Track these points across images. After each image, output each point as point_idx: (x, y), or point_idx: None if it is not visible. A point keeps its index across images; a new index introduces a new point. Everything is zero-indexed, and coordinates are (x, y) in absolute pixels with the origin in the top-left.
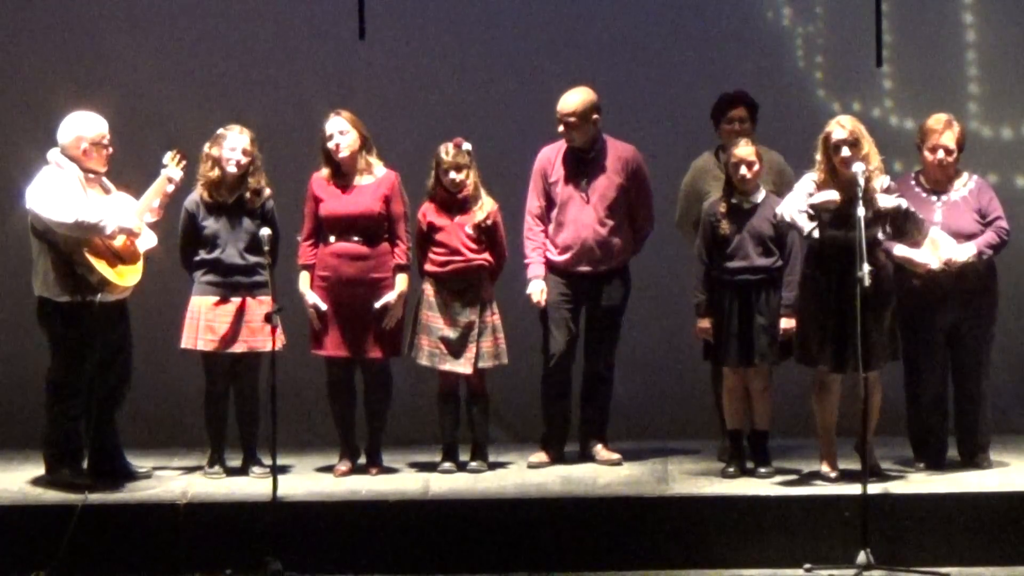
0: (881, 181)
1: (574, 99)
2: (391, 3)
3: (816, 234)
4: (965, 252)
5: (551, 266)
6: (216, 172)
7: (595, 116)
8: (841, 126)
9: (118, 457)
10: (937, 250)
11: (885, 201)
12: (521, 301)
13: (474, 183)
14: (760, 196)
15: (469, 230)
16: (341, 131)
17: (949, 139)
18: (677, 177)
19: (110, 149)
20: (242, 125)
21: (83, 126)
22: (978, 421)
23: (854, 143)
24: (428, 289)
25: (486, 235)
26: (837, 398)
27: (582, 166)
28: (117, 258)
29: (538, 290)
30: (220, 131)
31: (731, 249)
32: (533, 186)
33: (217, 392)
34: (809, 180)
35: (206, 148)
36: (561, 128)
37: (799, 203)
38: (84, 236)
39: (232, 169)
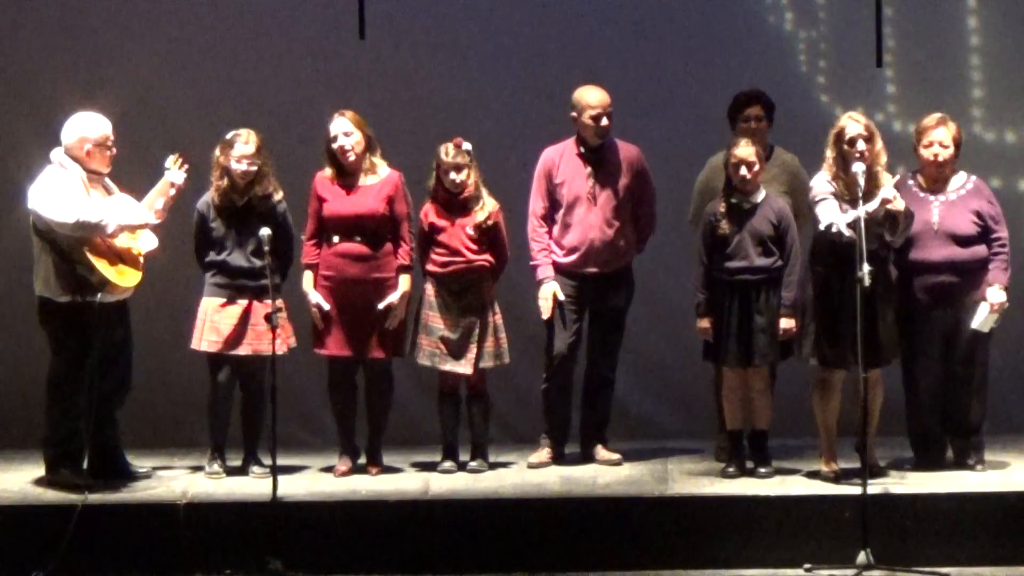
0: (886, 179)
1: (604, 93)
2: (391, 3)
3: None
4: (1000, 297)
5: (557, 267)
6: (224, 180)
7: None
8: (855, 121)
9: (118, 457)
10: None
11: (870, 206)
12: (523, 301)
13: (475, 183)
14: (760, 196)
15: (470, 231)
16: (346, 132)
17: (943, 135)
18: (679, 179)
19: (114, 150)
20: (247, 126)
21: (87, 127)
22: (971, 422)
23: (869, 137)
24: (429, 289)
25: (487, 235)
26: (839, 398)
27: (589, 167)
28: (118, 258)
29: (551, 292)
30: (229, 136)
31: (731, 249)
32: (537, 187)
33: (221, 392)
34: (823, 180)
35: (216, 152)
36: (604, 122)
37: (844, 215)
38: (86, 236)
39: (238, 180)
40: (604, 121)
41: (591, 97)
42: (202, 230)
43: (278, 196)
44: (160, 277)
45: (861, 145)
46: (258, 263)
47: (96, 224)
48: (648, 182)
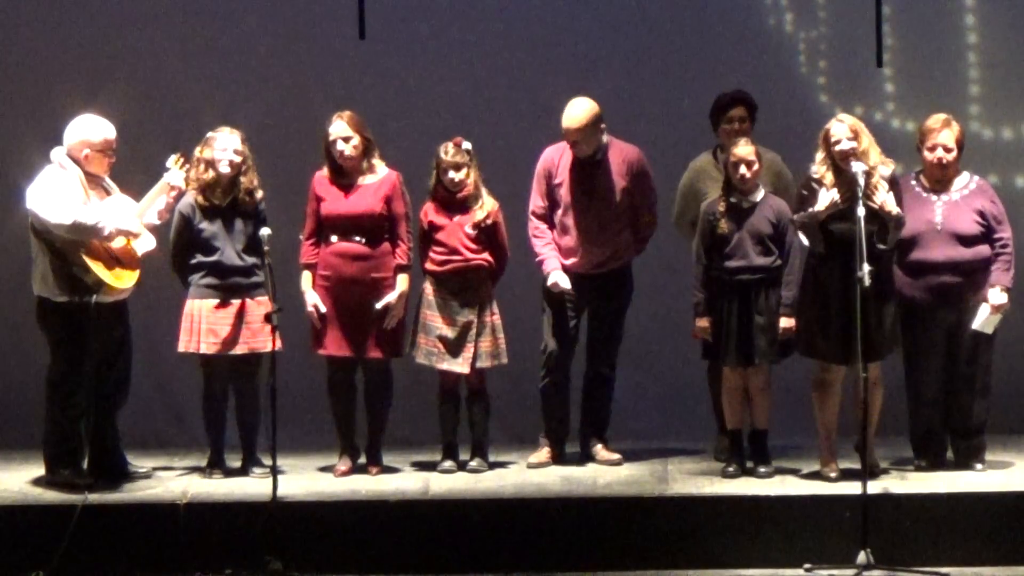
0: (883, 171)
1: (578, 114)
2: (391, 3)
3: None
4: (1001, 299)
5: None
6: (210, 174)
7: (601, 126)
8: (840, 122)
9: (118, 457)
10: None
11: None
12: (523, 301)
13: (474, 182)
14: (759, 195)
15: (469, 230)
16: (344, 137)
17: (947, 137)
18: (677, 180)
19: (113, 158)
20: (240, 125)
21: (89, 131)
22: (973, 424)
23: (853, 138)
24: (428, 288)
25: (486, 235)
26: (838, 397)
27: (588, 168)
28: (114, 260)
29: (561, 279)
30: (210, 134)
31: (730, 248)
32: (536, 187)
33: (216, 393)
34: (812, 180)
35: (197, 151)
36: (573, 148)
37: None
38: (81, 238)
39: (225, 169)
40: (573, 147)
41: (563, 120)
42: (186, 233)
43: (260, 193)
44: (160, 277)
45: (844, 146)
46: (249, 260)
47: (92, 227)
48: (648, 182)
